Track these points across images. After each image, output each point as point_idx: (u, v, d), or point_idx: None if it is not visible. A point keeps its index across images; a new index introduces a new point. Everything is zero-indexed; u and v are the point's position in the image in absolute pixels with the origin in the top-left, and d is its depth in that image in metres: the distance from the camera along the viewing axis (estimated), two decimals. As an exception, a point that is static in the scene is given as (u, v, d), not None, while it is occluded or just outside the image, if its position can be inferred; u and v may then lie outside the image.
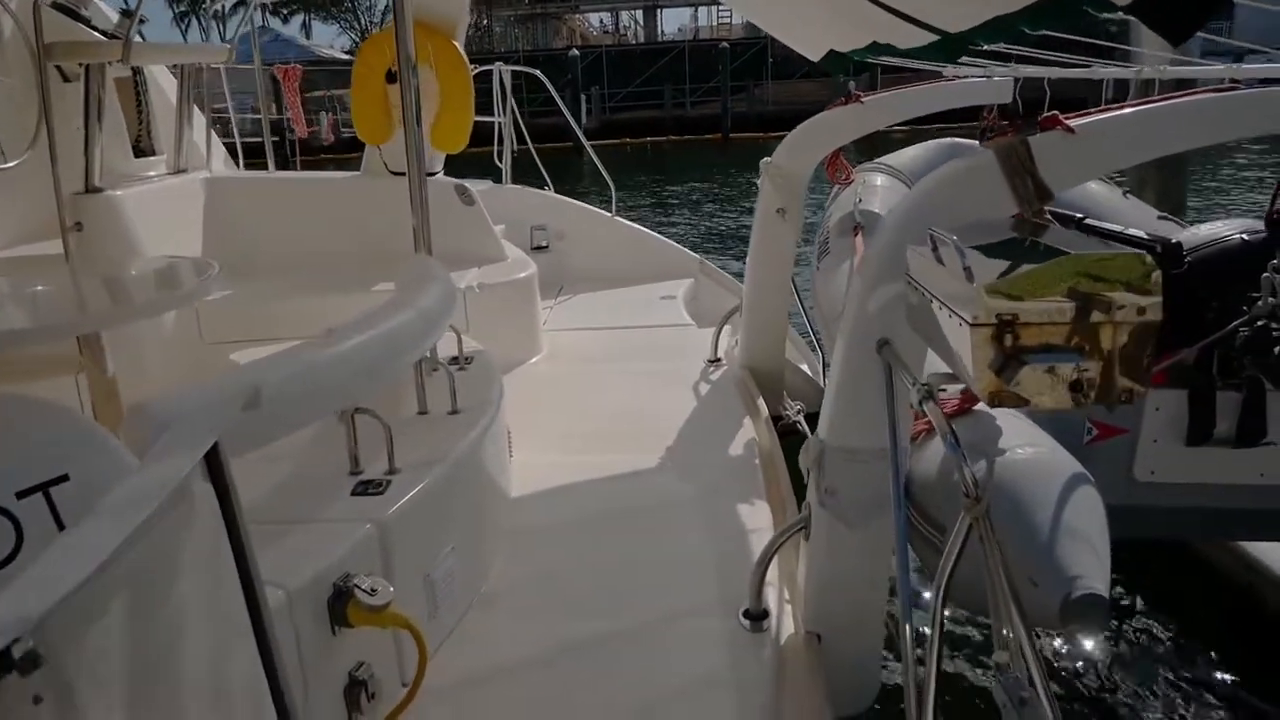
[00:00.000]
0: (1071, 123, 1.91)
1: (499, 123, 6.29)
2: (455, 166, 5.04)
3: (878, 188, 4.84)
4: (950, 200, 1.94)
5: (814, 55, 3.86)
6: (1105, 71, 3.29)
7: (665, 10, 41.82)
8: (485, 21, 40.64)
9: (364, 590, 1.83)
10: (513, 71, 6.20)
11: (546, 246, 6.15)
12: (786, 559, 2.47)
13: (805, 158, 3.98)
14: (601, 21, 46.77)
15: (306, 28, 50.79)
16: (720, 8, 42.31)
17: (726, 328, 4.61)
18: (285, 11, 49.55)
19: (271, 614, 1.17)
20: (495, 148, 6.35)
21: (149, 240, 3.94)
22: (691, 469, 3.27)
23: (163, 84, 4.84)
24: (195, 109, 4.94)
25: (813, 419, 4.91)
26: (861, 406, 2.01)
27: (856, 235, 4.32)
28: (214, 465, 1.12)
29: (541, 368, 4.53)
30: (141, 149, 4.73)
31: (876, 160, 5.22)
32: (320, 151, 22.20)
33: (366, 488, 2.15)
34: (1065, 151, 1.91)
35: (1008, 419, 2.28)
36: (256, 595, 1.15)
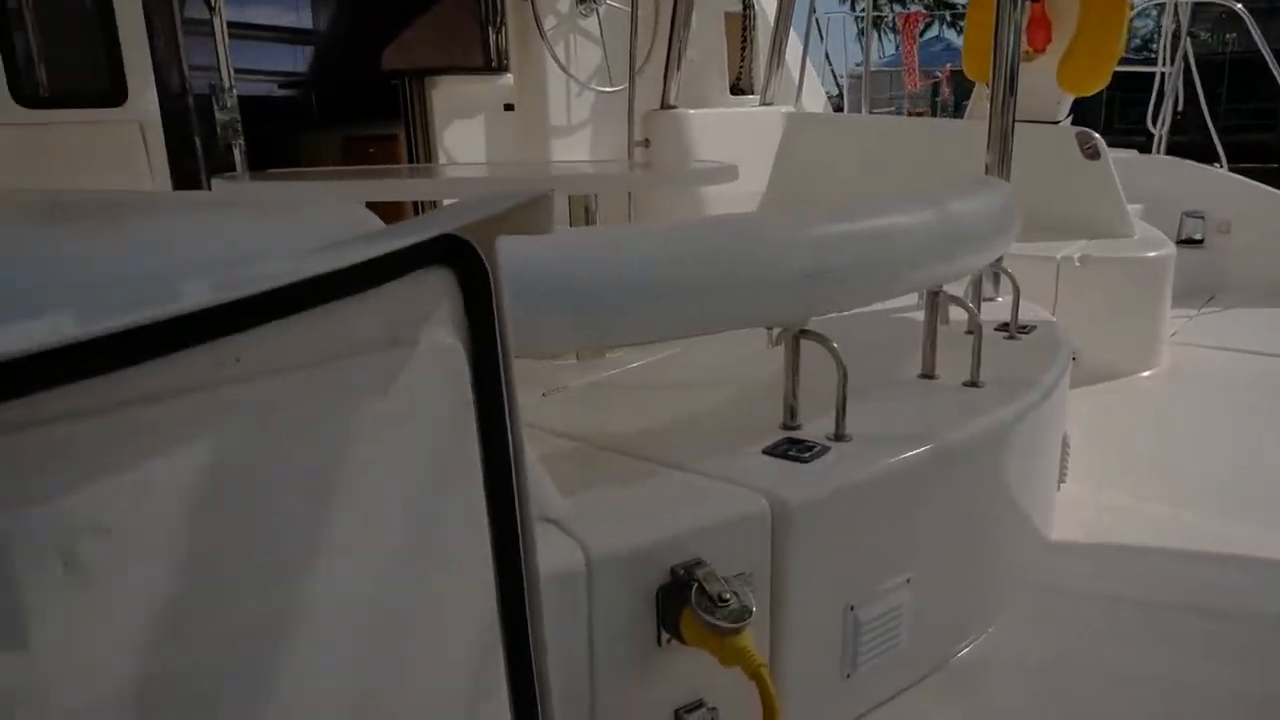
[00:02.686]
0: None
1: (1161, 72, 4.83)
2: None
3: None
4: None
5: None
6: None
7: None
8: None
9: (709, 594, 1.12)
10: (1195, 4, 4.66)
11: (1201, 240, 4.59)
12: None
13: None
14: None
15: (979, 39, 50.43)
16: None
17: None
18: (961, 24, 49.93)
19: (540, 581, 0.72)
20: (1150, 109, 4.90)
21: (710, 157, 3.80)
22: None
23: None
24: (800, 51, 4.79)
25: None
26: None
27: None
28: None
29: (1151, 385, 3.26)
30: (741, 89, 4.72)
31: None
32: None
33: (789, 448, 1.43)
34: None
35: None
36: (519, 533, 0.70)
